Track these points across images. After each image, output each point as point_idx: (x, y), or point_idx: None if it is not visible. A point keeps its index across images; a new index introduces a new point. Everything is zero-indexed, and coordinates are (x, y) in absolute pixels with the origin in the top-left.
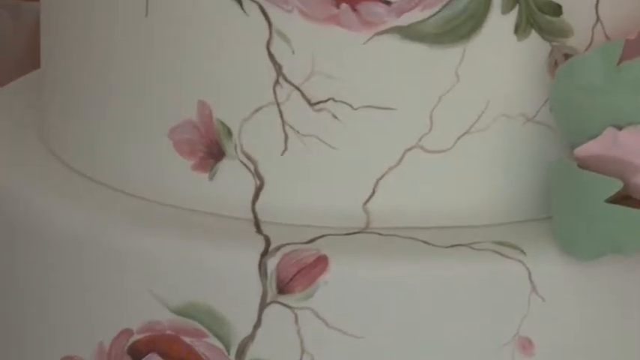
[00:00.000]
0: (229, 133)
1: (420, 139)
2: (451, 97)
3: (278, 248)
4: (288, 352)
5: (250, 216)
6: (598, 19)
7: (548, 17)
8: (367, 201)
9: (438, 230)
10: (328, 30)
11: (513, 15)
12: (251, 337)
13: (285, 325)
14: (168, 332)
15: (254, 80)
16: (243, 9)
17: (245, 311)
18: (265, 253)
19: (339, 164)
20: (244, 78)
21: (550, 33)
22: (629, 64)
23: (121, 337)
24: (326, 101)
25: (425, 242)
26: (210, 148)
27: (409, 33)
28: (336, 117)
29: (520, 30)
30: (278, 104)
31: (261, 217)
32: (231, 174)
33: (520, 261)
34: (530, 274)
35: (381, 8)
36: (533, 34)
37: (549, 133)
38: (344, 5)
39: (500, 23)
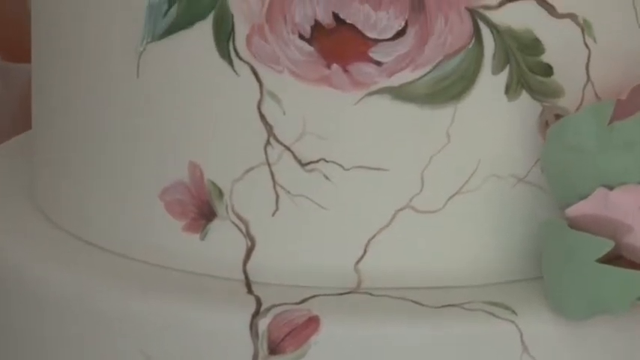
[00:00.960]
0: (220, 193)
1: (410, 200)
2: (442, 157)
3: (269, 309)
4: None
5: (241, 276)
6: (589, 79)
7: (539, 78)
8: (358, 261)
9: (429, 290)
10: (319, 90)
11: (504, 75)
12: None
13: None
14: None
15: (245, 141)
16: (234, 69)
17: None
18: (256, 314)
19: (330, 224)
20: (235, 138)
21: (541, 93)
22: (620, 125)
23: None
24: (317, 162)
25: (416, 302)
26: (202, 209)
27: (400, 93)
28: (327, 177)
29: (511, 90)
30: (269, 164)
31: (252, 277)
32: (223, 234)
33: (512, 321)
34: (521, 334)
35: (371, 69)
36: (524, 95)
37: (540, 193)
38: (335, 66)
39: (491, 84)
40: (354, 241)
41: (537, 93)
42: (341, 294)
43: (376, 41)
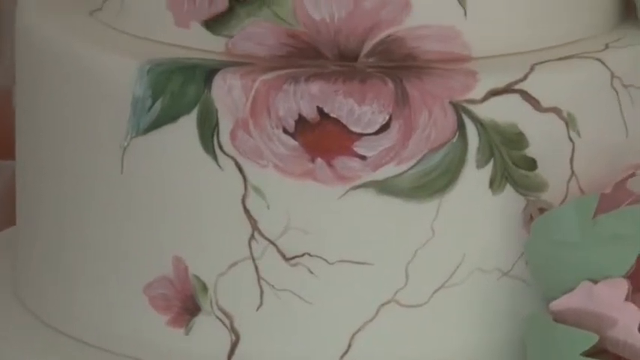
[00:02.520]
0: (205, 288)
1: (395, 294)
2: (426, 251)
3: None
4: None
5: None
6: (573, 173)
7: (523, 172)
8: (343, 355)
9: None
10: (303, 185)
11: (488, 169)
12: None
13: None
14: None
15: (230, 235)
16: (218, 164)
17: None
18: None
19: (314, 319)
20: (220, 233)
21: (525, 187)
22: (604, 218)
23: None
24: (301, 256)
25: None
26: (186, 304)
27: (385, 187)
28: (311, 272)
29: (495, 184)
30: (253, 259)
31: None
32: (207, 329)
33: None
34: None
35: (356, 163)
36: (508, 189)
37: (525, 287)
38: (319, 160)
39: (475, 177)
40: (339, 335)
41: (521, 187)
42: None
43: (360, 135)
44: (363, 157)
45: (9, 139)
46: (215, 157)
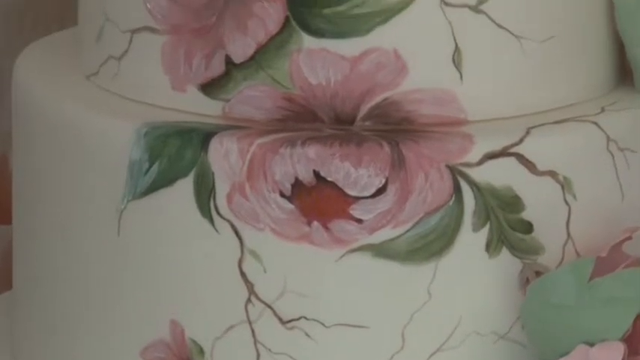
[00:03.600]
0: (201, 351)
1: (391, 357)
2: (423, 314)
3: None
4: None
5: None
6: (569, 236)
7: (519, 235)
8: None
9: None
10: (300, 248)
11: (484, 232)
12: None
13: None
14: None
15: (226, 299)
16: (215, 228)
17: None
18: None
19: None
20: (216, 296)
21: (521, 250)
22: (600, 282)
23: None
24: (298, 319)
25: None
26: None
27: (381, 251)
28: (308, 335)
29: (491, 248)
30: (250, 322)
31: None
32: None
33: None
34: None
35: (352, 226)
36: (505, 252)
37: (522, 350)
38: (315, 223)
39: (471, 241)
40: None
41: (518, 250)
42: None
43: (357, 199)
44: (359, 221)
45: (6, 204)
46: (211, 221)
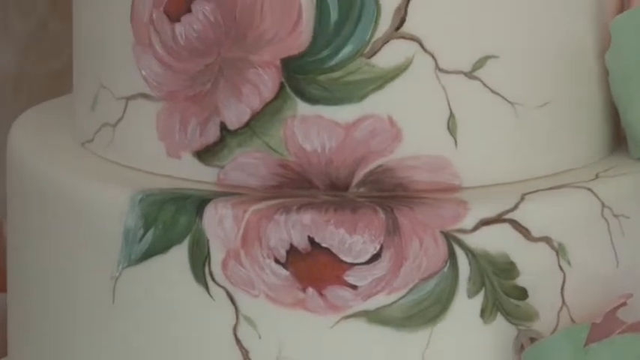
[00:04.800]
0: None
1: None
2: None
3: None
4: None
5: None
6: (564, 302)
7: (514, 301)
8: None
9: None
10: (295, 314)
11: (479, 299)
12: None
13: None
14: None
15: None
16: (209, 294)
17: None
18: None
19: None
20: None
21: (516, 317)
22: (595, 348)
23: None
24: None
25: None
26: None
27: (376, 317)
28: None
29: (486, 314)
30: None
31: None
32: None
33: None
34: None
35: (347, 292)
36: (500, 318)
37: None
38: (310, 290)
39: (466, 307)
40: None
41: (512, 316)
42: None
43: (352, 265)
44: (354, 287)
45: (1, 270)
46: (206, 287)
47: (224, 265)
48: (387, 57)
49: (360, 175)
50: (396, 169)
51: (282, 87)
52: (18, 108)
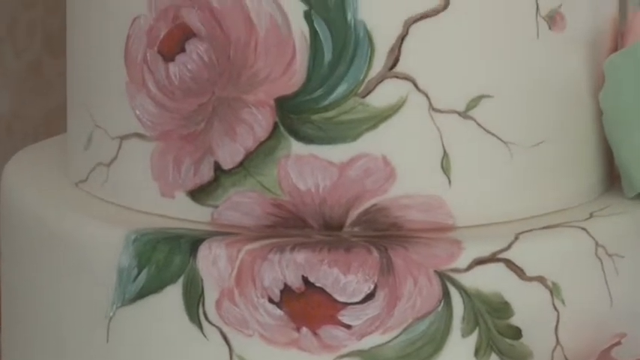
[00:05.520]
0: None
1: None
2: None
3: None
4: None
5: None
6: (558, 342)
7: (508, 340)
8: None
9: None
10: (289, 354)
11: (473, 338)
12: None
13: None
14: None
15: None
16: (203, 334)
17: None
18: None
19: None
20: None
21: (510, 356)
22: None
23: None
24: None
25: None
26: None
27: (370, 357)
28: None
29: (480, 353)
30: None
31: None
32: None
33: None
34: None
35: (341, 332)
36: (494, 357)
37: None
38: (304, 329)
39: (460, 346)
40: None
41: (506, 356)
42: None
43: (346, 304)
44: (348, 327)
45: None
46: (200, 327)
47: (218, 304)
48: (381, 96)
49: (354, 214)
50: (390, 208)
51: (276, 126)
52: (12, 148)
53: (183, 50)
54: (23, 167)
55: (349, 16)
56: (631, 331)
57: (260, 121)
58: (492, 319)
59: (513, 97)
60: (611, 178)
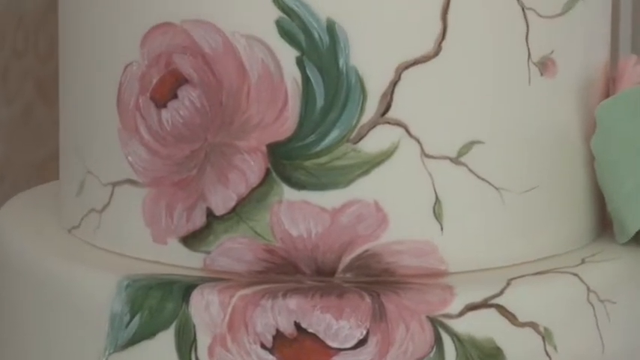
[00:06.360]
0: None
1: None
2: None
3: None
4: None
5: None
6: None
7: None
8: None
9: None
10: None
11: None
12: None
13: None
14: None
15: None
16: None
17: None
18: None
19: None
20: None
21: None
22: None
23: None
24: None
25: None
26: None
27: None
28: None
29: None
30: None
31: None
32: None
33: None
34: None
35: None
36: None
37: None
38: None
39: None
40: None
41: None
42: None
43: (338, 350)
44: None
45: None
46: None
47: (210, 350)
48: (373, 142)
49: (346, 260)
50: (383, 254)
51: (268, 172)
52: (4, 195)
53: (175, 97)
54: (16, 214)
55: (341, 62)
56: None
57: (252, 167)
58: None
59: (505, 143)
60: (603, 223)
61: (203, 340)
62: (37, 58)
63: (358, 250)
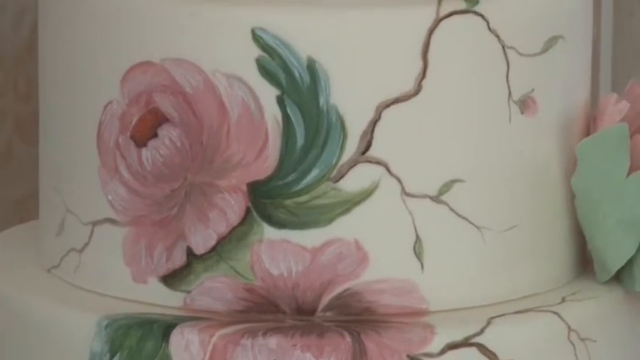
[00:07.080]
0: None
1: None
2: None
3: None
4: None
5: None
6: None
7: None
8: None
9: None
10: None
11: None
12: None
13: None
14: None
15: None
16: None
17: None
18: None
19: None
20: None
21: None
22: None
23: None
24: None
25: None
26: None
27: None
28: None
29: None
30: None
31: None
32: None
33: None
34: None
35: None
36: None
37: None
38: None
39: None
40: None
41: None
42: None
43: None
44: None
45: None
46: None
47: None
48: (354, 181)
49: (326, 299)
50: (363, 292)
51: (248, 211)
52: None
53: (155, 135)
54: None
55: (321, 101)
56: None
57: (232, 207)
58: None
59: (486, 181)
60: (584, 262)
61: None
62: (16, 97)
63: (339, 289)
